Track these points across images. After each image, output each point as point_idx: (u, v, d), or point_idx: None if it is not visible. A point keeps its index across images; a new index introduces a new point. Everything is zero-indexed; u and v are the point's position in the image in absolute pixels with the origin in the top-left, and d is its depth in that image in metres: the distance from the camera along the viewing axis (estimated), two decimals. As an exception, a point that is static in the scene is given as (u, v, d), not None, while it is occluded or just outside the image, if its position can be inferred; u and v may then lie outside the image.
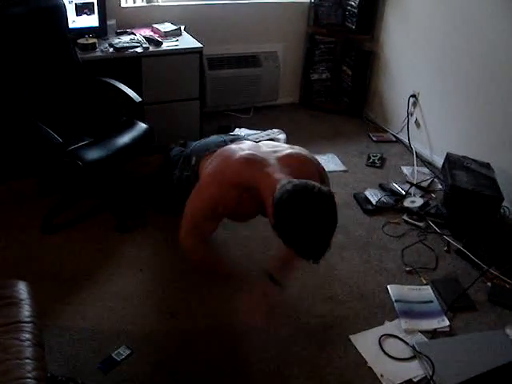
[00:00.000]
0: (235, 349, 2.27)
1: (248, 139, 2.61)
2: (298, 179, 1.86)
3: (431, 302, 2.57)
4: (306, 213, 1.76)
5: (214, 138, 2.63)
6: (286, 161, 2.13)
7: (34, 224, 2.93)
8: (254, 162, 2.07)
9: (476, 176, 3.13)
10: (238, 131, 3.81)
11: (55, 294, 2.48)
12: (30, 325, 1.71)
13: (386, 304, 2.56)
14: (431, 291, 2.64)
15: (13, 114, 2.89)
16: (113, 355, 2.16)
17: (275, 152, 2.19)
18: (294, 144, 3.77)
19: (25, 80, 2.86)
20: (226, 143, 2.47)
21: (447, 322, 2.43)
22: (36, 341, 1.67)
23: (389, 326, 2.42)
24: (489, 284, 2.69)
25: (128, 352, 2.19)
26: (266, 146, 2.31)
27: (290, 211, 1.78)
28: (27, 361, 1.56)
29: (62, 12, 3.04)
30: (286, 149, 2.24)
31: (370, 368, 2.20)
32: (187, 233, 2.16)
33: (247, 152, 2.15)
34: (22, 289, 1.87)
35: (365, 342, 2.32)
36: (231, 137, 2.62)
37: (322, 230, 1.79)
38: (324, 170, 2.39)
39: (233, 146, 2.26)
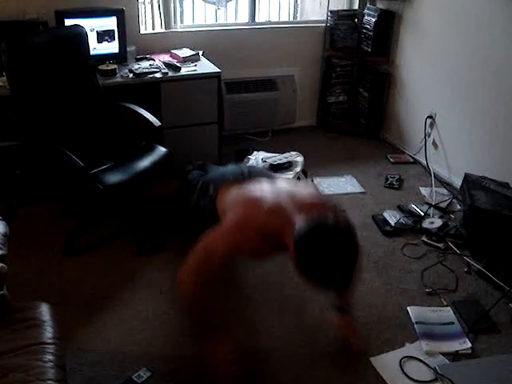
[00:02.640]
0: (254, 371, 2.26)
1: (263, 173, 2.62)
2: (314, 216, 1.88)
3: (452, 323, 2.54)
4: (325, 248, 1.78)
5: (231, 169, 2.65)
6: (304, 205, 2.09)
7: (55, 246, 2.98)
8: (279, 212, 2.04)
9: (495, 196, 3.11)
10: (255, 154, 3.83)
11: (76, 316, 2.50)
12: (52, 346, 1.73)
13: (407, 326, 2.53)
14: (452, 313, 2.61)
15: (36, 139, 2.95)
16: (133, 377, 2.17)
17: (293, 197, 2.15)
18: (312, 166, 3.83)
19: (47, 105, 2.93)
20: (243, 175, 2.48)
21: (469, 344, 2.40)
22: (58, 362, 1.69)
23: (410, 348, 2.39)
24: (511, 305, 2.66)
25: (148, 374, 2.19)
26: (283, 191, 2.24)
27: (309, 249, 1.80)
28: (49, 382, 1.57)
29: (83, 40, 3.12)
30: (302, 193, 2.21)
31: (391, 391, 2.18)
32: (192, 271, 2.03)
33: (272, 202, 2.10)
34: (44, 310, 1.90)
35: (385, 365, 2.30)
36: (248, 168, 2.62)
37: (342, 261, 1.81)
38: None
39: (256, 192, 2.20)
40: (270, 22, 4.53)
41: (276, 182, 2.41)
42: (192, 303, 2.07)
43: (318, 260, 1.79)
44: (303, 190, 2.27)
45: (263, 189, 2.25)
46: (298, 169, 3.65)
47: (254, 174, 2.51)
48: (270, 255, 2.22)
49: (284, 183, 2.40)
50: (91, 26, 3.46)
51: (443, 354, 2.36)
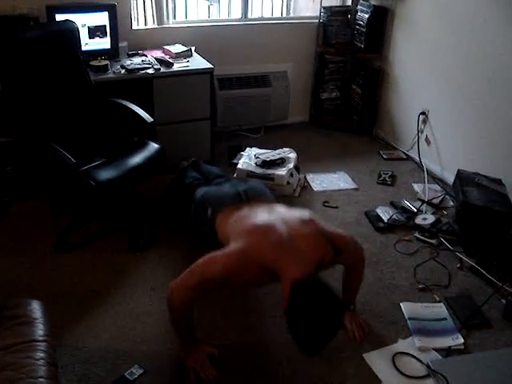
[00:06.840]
0: (248, 367, 2.26)
1: (259, 192, 2.62)
2: (313, 278, 1.93)
3: (445, 319, 2.55)
4: (315, 319, 1.83)
5: (227, 189, 2.63)
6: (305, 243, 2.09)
7: (47, 243, 2.96)
8: (281, 249, 2.04)
9: (487, 192, 3.12)
10: (248, 151, 3.83)
11: (68, 313, 2.49)
12: (43, 344, 1.73)
13: (399, 322, 2.54)
14: (444, 308, 2.61)
15: (27, 135, 2.94)
16: (126, 375, 2.16)
17: (294, 231, 2.13)
18: (305, 162, 3.84)
19: (39, 101, 2.91)
20: (240, 197, 2.48)
21: (462, 340, 2.41)
22: (50, 360, 1.68)
23: (402, 344, 2.40)
24: (503, 301, 2.67)
25: (141, 371, 2.18)
26: (284, 222, 2.18)
27: (301, 314, 1.86)
28: (41, 380, 1.57)
29: (75, 35, 3.11)
30: (303, 230, 2.15)
31: (384, 387, 2.18)
32: (185, 287, 2.05)
33: (276, 237, 2.08)
34: (36, 308, 1.89)
35: (378, 361, 2.30)
36: (243, 187, 2.60)
37: (326, 333, 1.87)
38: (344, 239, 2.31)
39: (261, 222, 2.18)
40: (262, 18, 4.51)
41: (274, 208, 2.37)
42: (176, 317, 2.12)
43: (304, 326, 1.85)
44: (302, 224, 2.18)
45: (267, 218, 2.22)
46: (291, 165, 3.65)
47: (250, 195, 2.52)
48: (260, 286, 2.40)
49: (283, 211, 2.33)
50: (83, 21, 3.44)
51: (436, 349, 2.36)
